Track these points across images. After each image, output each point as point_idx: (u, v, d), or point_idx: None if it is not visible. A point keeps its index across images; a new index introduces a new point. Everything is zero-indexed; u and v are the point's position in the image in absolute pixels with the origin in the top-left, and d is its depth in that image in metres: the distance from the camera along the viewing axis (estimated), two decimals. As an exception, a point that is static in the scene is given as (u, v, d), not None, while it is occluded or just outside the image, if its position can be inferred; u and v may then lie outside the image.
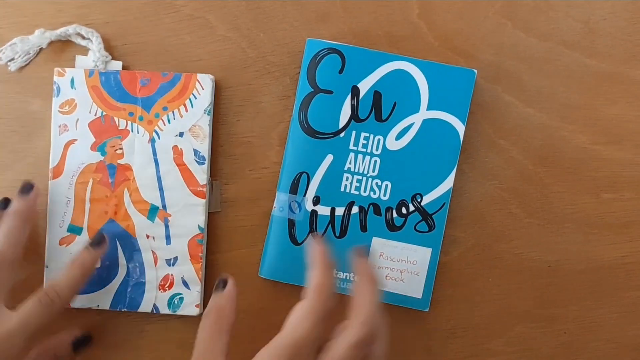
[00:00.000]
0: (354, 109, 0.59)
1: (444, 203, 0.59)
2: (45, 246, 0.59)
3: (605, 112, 0.62)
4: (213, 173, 0.60)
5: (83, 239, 0.58)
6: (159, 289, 0.59)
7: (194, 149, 0.59)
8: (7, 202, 0.57)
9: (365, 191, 0.59)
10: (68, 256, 0.58)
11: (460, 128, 0.59)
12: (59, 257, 0.58)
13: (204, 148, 0.59)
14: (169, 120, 0.59)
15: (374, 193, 0.59)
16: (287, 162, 0.59)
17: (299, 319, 0.46)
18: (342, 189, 0.59)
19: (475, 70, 0.59)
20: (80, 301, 0.59)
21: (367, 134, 0.59)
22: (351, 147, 0.59)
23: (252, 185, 0.61)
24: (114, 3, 0.61)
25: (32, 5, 0.61)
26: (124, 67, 0.61)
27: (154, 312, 0.59)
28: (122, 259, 0.59)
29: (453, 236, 0.61)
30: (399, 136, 0.59)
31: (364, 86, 0.59)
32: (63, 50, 0.61)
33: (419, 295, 0.59)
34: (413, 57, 0.60)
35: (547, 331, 0.61)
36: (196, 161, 0.59)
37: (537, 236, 0.61)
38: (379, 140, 0.59)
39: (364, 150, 0.59)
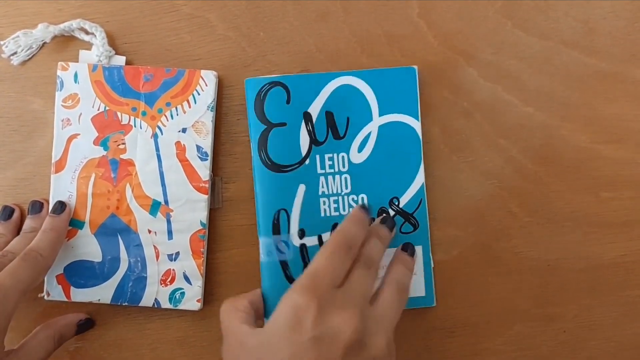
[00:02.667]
0: (311, 134, 0.61)
1: (421, 199, 0.62)
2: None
3: (604, 111, 0.64)
4: (214, 171, 0.62)
5: (85, 233, 0.61)
6: (161, 284, 0.61)
7: (196, 145, 0.61)
8: (11, 212, 0.61)
9: (344, 209, 0.61)
10: (70, 250, 0.61)
11: (416, 124, 0.61)
12: (61, 251, 0.60)
13: (207, 144, 0.61)
14: (172, 116, 0.61)
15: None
16: (261, 204, 0.60)
17: (315, 256, 0.52)
18: (322, 214, 0.61)
19: (416, 67, 0.62)
20: (82, 295, 0.61)
21: (330, 154, 0.61)
22: (319, 171, 0.61)
23: (252, 184, 0.62)
24: (113, 2, 0.63)
25: (32, 5, 0.63)
26: (127, 63, 0.63)
27: (155, 306, 0.61)
28: (123, 254, 0.61)
29: (453, 235, 0.63)
30: (360, 148, 0.61)
31: (314, 110, 0.61)
32: (66, 45, 0.63)
33: (423, 293, 0.61)
34: (413, 57, 0.62)
35: (546, 330, 0.63)
36: (199, 157, 0.61)
37: (537, 235, 0.63)
38: (342, 157, 0.61)
39: (332, 170, 0.61)
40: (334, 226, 0.61)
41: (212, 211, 0.63)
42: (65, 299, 0.61)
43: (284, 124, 0.60)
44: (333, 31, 0.64)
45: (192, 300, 0.61)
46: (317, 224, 0.61)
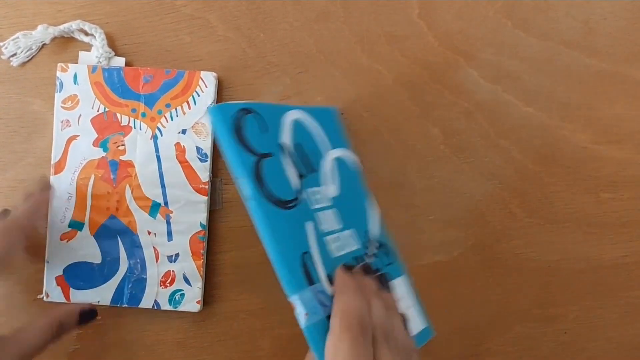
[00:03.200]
0: (296, 165, 0.53)
1: (382, 227, 0.59)
2: (46, 241, 0.61)
3: (605, 111, 0.64)
4: (214, 172, 0.63)
5: (85, 234, 0.61)
6: (160, 285, 0.61)
7: (196, 146, 0.61)
8: (6, 213, 0.61)
9: (348, 247, 0.54)
10: (69, 251, 0.61)
11: (354, 158, 0.60)
12: (60, 253, 0.61)
13: (207, 145, 0.61)
14: (171, 117, 0.61)
15: (351, 246, 0.55)
16: (280, 250, 0.47)
17: (333, 349, 0.45)
18: (333, 255, 0.52)
19: (336, 107, 0.62)
20: (81, 297, 0.61)
21: (313, 189, 0.54)
22: (313, 207, 0.53)
23: None
24: (113, 3, 0.63)
25: (32, 6, 0.63)
26: (126, 64, 0.63)
27: (155, 308, 0.61)
28: (123, 255, 0.61)
29: (453, 236, 0.64)
30: (331, 181, 0.57)
31: (286, 141, 0.53)
32: (65, 47, 0.64)
33: (424, 325, 0.58)
34: (414, 57, 0.63)
35: (547, 331, 0.64)
36: (198, 158, 0.61)
37: (537, 236, 0.64)
38: (323, 190, 0.55)
39: (321, 205, 0.54)
40: (347, 267, 0.51)
41: (212, 212, 0.63)
42: (65, 300, 0.61)
43: (269, 155, 0.50)
44: (333, 32, 0.64)
45: (191, 301, 0.62)
46: (334, 266, 0.51)
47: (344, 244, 0.54)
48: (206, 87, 0.62)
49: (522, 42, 0.64)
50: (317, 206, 0.53)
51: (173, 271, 0.61)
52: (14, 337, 0.55)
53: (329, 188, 0.56)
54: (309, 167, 0.54)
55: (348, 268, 0.51)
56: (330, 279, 0.49)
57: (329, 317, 0.47)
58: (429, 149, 0.64)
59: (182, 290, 0.62)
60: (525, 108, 0.64)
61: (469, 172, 0.64)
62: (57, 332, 0.57)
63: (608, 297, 0.64)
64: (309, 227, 0.51)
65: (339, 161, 0.59)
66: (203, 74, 0.62)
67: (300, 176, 0.53)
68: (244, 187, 0.48)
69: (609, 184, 0.64)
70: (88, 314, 0.60)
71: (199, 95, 0.62)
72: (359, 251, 0.55)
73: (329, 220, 0.54)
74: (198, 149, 0.61)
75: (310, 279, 0.48)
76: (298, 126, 0.55)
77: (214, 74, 0.62)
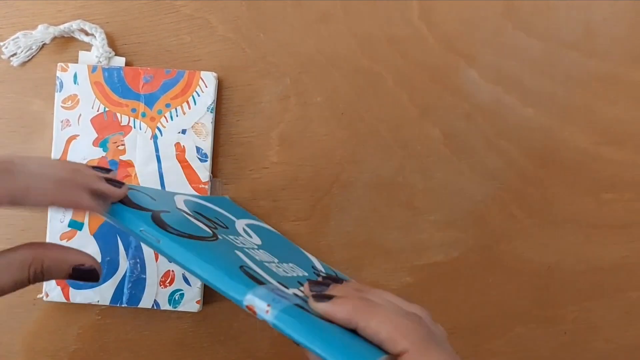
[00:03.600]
0: (202, 222, 0.50)
1: (327, 267, 0.60)
2: (45, 241, 0.61)
3: (605, 112, 0.64)
4: (213, 173, 0.63)
5: (84, 234, 0.61)
6: (160, 285, 0.61)
7: (196, 146, 0.61)
8: None
9: (290, 273, 0.50)
10: None
11: (268, 227, 0.62)
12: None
13: (207, 145, 0.62)
14: (171, 117, 0.61)
15: (298, 272, 0.52)
16: (211, 266, 0.41)
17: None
18: (280, 275, 0.48)
19: (227, 197, 0.62)
20: (81, 296, 0.61)
21: (232, 236, 0.51)
22: (238, 245, 0.49)
23: (252, 185, 0.63)
24: (113, 3, 0.63)
25: (32, 6, 0.63)
26: (126, 64, 0.63)
27: (155, 308, 0.61)
28: (122, 255, 0.61)
29: (453, 237, 0.64)
30: (249, 235, 0.55)
31: (182, 207, 0.51)
32: (66, 47, 0.64)
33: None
34: (414, 59, 0.63)
35: (547, 332, 0.64)
36: (198, 158, 0.61)
37: (538, 237, 0.64)
38: (244, 239, 0.53)
39: (247, 246, 0.51)
40: (302, 283, 0.48)
41: (212, 212, 0.63)
42: (65, 300, 0.61)
43: (166, 211, 0.47)
44: (333, 33, 0.64)
45: (191, 301, 0.62)
46: (285, 280, 0.47)
47: (289, 270, 0.51)
48: (206, 87, 0.62)
49: (522, 43, 0.64)
50: (242, 245, 0.50)
51: (172, 271, 0.61)
52: None
53: (249, 238, 0.54)
54: (216, 224, 0.52)
55: (316, 283, 0.46)
56: (283, 285, 0.45)
57: (296, 304, 0.41)
58: (429, 150, 0.64)
59: (182, 290, 0.62)
60: (526, 109, 0.64)
61: (469, 173, 0.64)
62: (33, 277, 0.42)
63: (608, 298, 0.65)
64: (239, 253, 0.47)
65: (252, 225, 0.59)
66: (203, 74, 0.62)
67: (210, 227, 0.49)
68: (150, 234, 0.42)
69: (609, 185, 0.64)
70: (85, 274, 0.44)
71: (199, 95, 0.62)
72: (311, 276, 0.53)
73: (261, 255, 0.50)
74: (198, 149, 0.62)
75: (257, 280, 0.42)
76: (190, 203, 0.53)
77: (214, 74, 0.62)
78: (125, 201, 0.44)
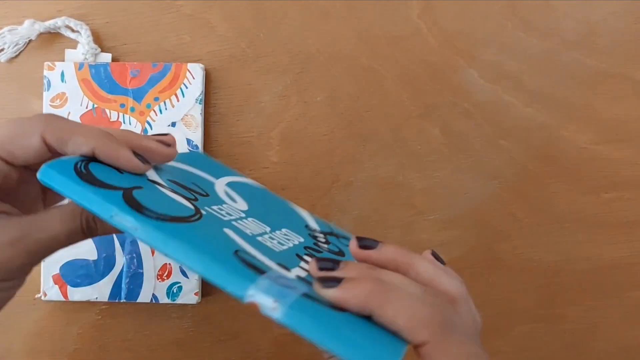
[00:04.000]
0: (178, 193, 0.45)
1: (321, 221, 0.57)
2: None
3: (605, 111, 0.64)
4: None
5: None
6: (157, 279, 0.61)
7: (187, 138, 0.62)
8: None
9: (286, 244, 0.47)
10: (64, 249, 0.61)
11: (251, 180, 0.58)
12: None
13: (197, 137, 0.62)
14: (160, 111, 0.62)
15: (294, 240, 0.48)
16: (204, 255, 0.36)
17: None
18: (276, 250, 0.44)
19: (203, 152, 0.61)
20: (79, 294, 0.61)
21: (216, 207, 0.47)
22: (224, 219, 0.45)
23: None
24: (113, 3, 0.64)
25: (32, 6, 0.64)
26: (114, 60, 0.63)
27: (153, 301, 0.61)
28: (119, 251, 0.61)
29: (454, 236, 0.64)
30: (234, 200, 0.51)
31: (153, 178, 0.45)
32: (52, 43, 0.64)
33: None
34: (413, 58, 0.63)
35: (548, 331, 0.64)
36: (189, 150, 0.61)
37: (538, 236, 0.64)
38: (228, 207, 0.48)
39: (234, 217, 0.47)
40: (302, 256, 0.45)
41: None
42: (63, 299, 0.61)
43: (138, 187, 0.41)
44: (333, 31, 0.64)
45: (189, 293, 0.62)
46: (283, 259, 0.43)
47: (283, 240, 0.47)
48: (194, 78, 0.62)
49: (522, 42, 0.65)
50: (229, 218, 0.46)
51: (170, 264, 0.62)
52: (22, 220, 0.41)
53: (234, 204, 0.50)
54: (196, 193, 0.47)
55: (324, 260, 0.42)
56: (284, 268, 0.41)
57: (305, 294, 0.37)
58: (429, 149, 0.64)
59: (180, 282, 0.62)
60: (526, 108, 0.64)
61: (469, 173, 0.64)
62: (87, 226, 0.42)
63: (610, 298, 0.65)
64: (229, 232, 0.43)
65: (234, 184, 0.54)
66: (190, 65, 0.62)
67: (190, 200, 0.45)
68: (124, 220, 0.37)
69: (610, 185, 0.65)
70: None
71: (187, 87, 0.62)
72: (307, 242, 0.49)
73: (251, 226, 0.46)
74: (189, 141, 0.62)
75: (258, 269, 0.38)
76: (161, 169, 0.47)
77: (201, 65, 0.63)
78: (89, 178, 0.39)
